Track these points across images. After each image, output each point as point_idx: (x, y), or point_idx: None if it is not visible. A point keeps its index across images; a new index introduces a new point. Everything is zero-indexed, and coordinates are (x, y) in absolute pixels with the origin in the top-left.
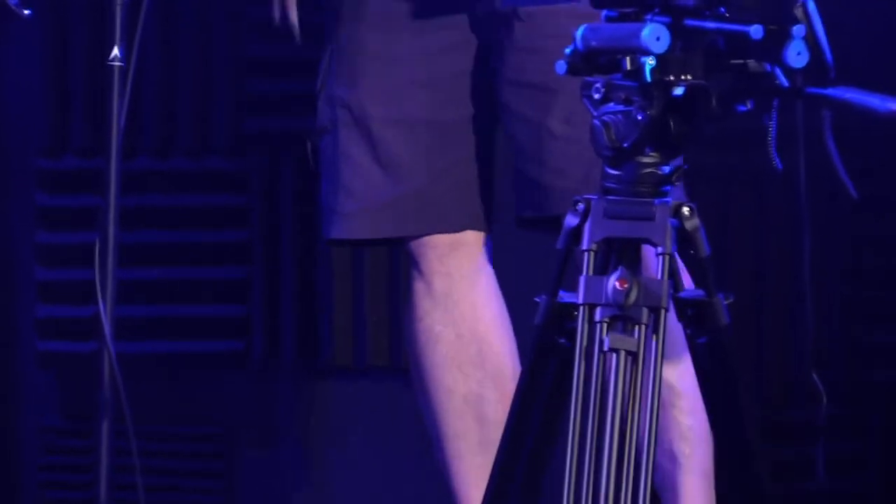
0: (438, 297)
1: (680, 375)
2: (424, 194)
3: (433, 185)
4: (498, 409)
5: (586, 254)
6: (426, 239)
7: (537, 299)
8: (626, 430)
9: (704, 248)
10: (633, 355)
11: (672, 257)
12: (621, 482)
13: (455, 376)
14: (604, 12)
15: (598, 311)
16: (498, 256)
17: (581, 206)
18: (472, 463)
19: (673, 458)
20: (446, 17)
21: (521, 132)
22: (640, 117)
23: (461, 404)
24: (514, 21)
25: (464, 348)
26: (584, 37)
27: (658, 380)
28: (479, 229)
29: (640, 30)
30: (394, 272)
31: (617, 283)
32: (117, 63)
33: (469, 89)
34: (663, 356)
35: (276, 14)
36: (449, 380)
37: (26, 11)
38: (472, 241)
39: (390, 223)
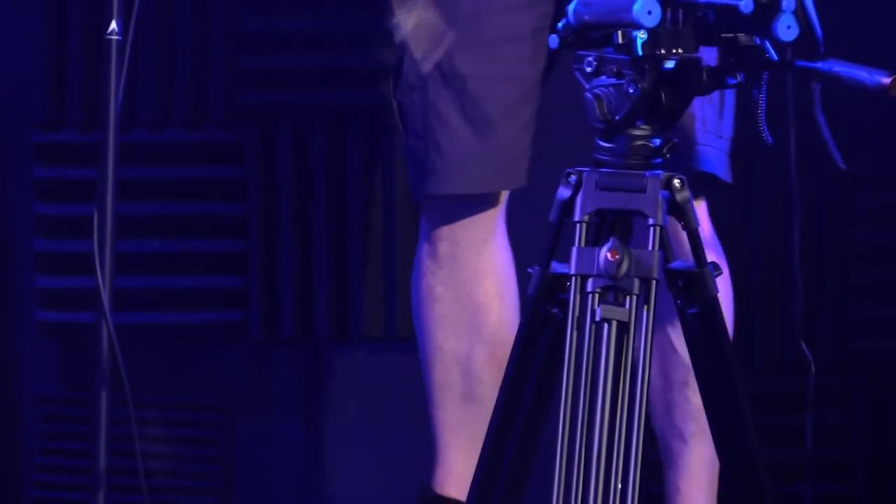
0: (443, 260)
1: None
2: (512, 149)
3: (519, 140)
4: (485, 368)
5: (578, 225)
6: (441, 202)
7: (530, 270)
8: (617, 399)
9: (695, 220)
10: (624, 325)
11: (663, 229)
12: (612, 450)
13: (447, 334)
14: None
15: (589, 281)
16: None
17: (573, 178)
18: (453, 412)
19: (680, 436)
20: None
21: None
22: (631, 90)
23: (449, 360)
24: None
25: (460, 312)
26: (576, 11)
27: (649, 350)
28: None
29: (631, 4)
30: (388, 245)
31: (608, 254)
32: (115, 37)
33: (544, 45)
34: (654, 326)
35: None
36: (441, 337)
37: None
38: (495, 209)
39: (481, 178)
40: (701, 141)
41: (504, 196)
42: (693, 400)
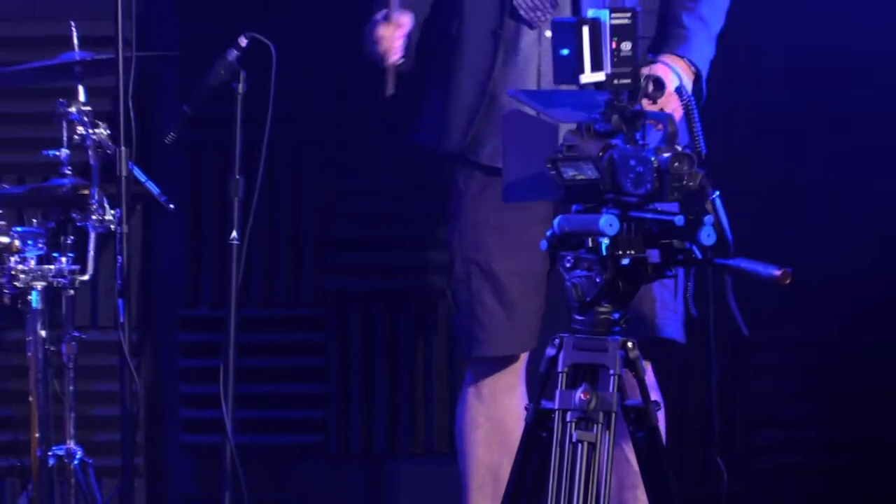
0: (485, 399)
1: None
2: (530, 324)
3: (534, 317)
4: (507, 473)
5: (560, 374)
6: (490, 357)
7: (526, 406)
8: (588, 496)
9: (642, 371)
10: (592, 445)
11: (620, 377)
12: None
13: (484, 451)
14: (573, 206)
15: (568, 414)
16: None
17: (557, 341)
18: None
19: None
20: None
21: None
22: (598, 280)
23: (484, 469)
24: None
25: (494, 434)
26: (560, 224)
27: (610, 462)
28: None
29: (598, 219)
30: (427, 389)
31: (582, 395)
32: (235, 242)
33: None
34: (614, 445)
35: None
36: (480, 453)
37: (171, 206)
38: (518, 363)
39: (509, 344)
40: (660, 315)
41: (525, 355)
42: (641, 497)
